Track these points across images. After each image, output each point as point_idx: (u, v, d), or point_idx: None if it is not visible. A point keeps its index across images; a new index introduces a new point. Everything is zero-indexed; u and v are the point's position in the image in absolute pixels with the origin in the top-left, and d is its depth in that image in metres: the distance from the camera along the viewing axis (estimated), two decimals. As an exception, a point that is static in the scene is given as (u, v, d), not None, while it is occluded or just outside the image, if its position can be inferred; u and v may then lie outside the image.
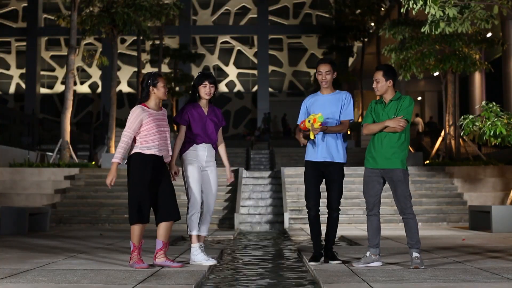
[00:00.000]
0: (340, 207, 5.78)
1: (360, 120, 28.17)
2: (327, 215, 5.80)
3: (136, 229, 5.27)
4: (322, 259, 5.71)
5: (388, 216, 12.18)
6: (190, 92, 5.98)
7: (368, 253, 5.46)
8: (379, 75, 5.48)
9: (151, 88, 5.38)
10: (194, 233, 5.70)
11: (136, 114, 5.28)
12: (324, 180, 5.80)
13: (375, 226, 5.48)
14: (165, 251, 5.41)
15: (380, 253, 5.53)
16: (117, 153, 5.23)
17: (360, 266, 5.37)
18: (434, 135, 28.19)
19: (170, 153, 5.50)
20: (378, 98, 5.66)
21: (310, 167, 5.78)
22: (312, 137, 5.59)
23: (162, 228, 5.37)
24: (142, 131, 5.29)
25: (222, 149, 5.96)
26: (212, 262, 5.59)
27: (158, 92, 5.38)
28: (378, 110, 5.54)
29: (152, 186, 5.28)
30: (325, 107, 5.70)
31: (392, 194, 5.52)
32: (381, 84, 5.46)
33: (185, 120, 5.71)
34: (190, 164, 5.69)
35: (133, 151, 5.32)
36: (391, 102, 5.47)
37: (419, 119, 31.17)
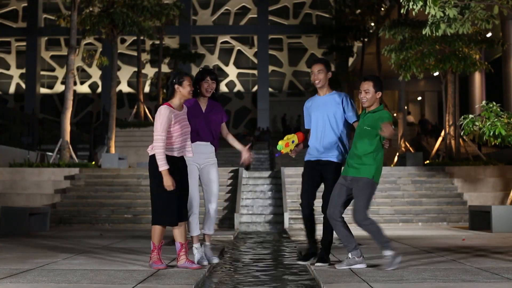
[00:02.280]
0: None
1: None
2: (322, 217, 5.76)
3: (157, 230, 5.22)
4: (312, 259, 5.69)
5: (388, 216, 12.19)
6: None
7: (350, 255, 5.29)
8: (369, 86, 5.32)
9: (176, 86, 5.29)
10: (192, 233, 5.70)
11: (166, 115, 5.16)
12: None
13: (344, 232, 5.29)
14: (186, 252, 5.32)
15: (363, 254, 5.37)
16: (161, 160, 5.10)
17: (344, 267, 5.26)
18: (428, 133, 28.30)
19: (190, 154, 5.42)
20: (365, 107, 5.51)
21: (307, 166, 5.78)
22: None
23: (181, 229, 5.29)
24: (168, 132, 5.22)
25: (230, 138, 5.95)
26: (204, 263, 5.57)
27: (183, 90, 5.29)
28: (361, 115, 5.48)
29: (177, 187, 5.23)
30: (324, 108, 5.69)
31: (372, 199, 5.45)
32: (371, 95, 5.31)
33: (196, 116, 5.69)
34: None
35: (153, 152, 5.23)
36: (368, 113, 5.35)
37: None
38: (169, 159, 5.20)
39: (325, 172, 5.64)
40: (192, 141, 5.63)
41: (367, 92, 5.33)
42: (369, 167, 5.24)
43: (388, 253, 5.18)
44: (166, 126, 5.16)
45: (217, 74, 5.88)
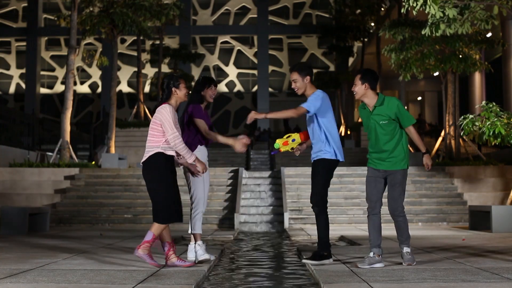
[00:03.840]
0: (322, 205, 5.64)
1: (360, 120, 28.16)
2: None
3: (164, 226, 5.28)
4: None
5: (388, 216, 12.12)
6: (192, 93, 5.98)
7: (372, 254, 5.40)
8: (356, 79, 5.52)
9: (173, 89, 5.38)
10: (198, 231, 5.78)
11: (172, 112, 5.27)
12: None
13: (377, 226, 5.50)
14: (174, 251, 5.41)
15: (382, 253, 5.51)
16: (188, 152, 5.27)
17: (366, 267, 5.31)
18: (426, 134, 28.32)
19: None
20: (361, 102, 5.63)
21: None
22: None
23: (167, 229, 5.38)
24: (162, 132, 5.28)
25: (219, 136, 5.99)
26: (206, 256, 5.65)
27: (180, 93, 5.40)
28: (364, 116, 5.58)
29: (174, 186, 5.30)
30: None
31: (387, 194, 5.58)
32: (358, 87, 5.47)
33: (206, 117, 5.85)
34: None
35: (154, 151, 5.26)
36: (375, 108, 5.45)
37: None
38: (170, 158, 5.29)
39: (315, 167, 5.75)
40: (201, 144, 5.87)
41: (356, 85, 5.49)
42: (402, 159, 5.45)
43: (406, 249, 5.48)
44: (175, 121, 5.27)
45: (215, 78, 6.04)
